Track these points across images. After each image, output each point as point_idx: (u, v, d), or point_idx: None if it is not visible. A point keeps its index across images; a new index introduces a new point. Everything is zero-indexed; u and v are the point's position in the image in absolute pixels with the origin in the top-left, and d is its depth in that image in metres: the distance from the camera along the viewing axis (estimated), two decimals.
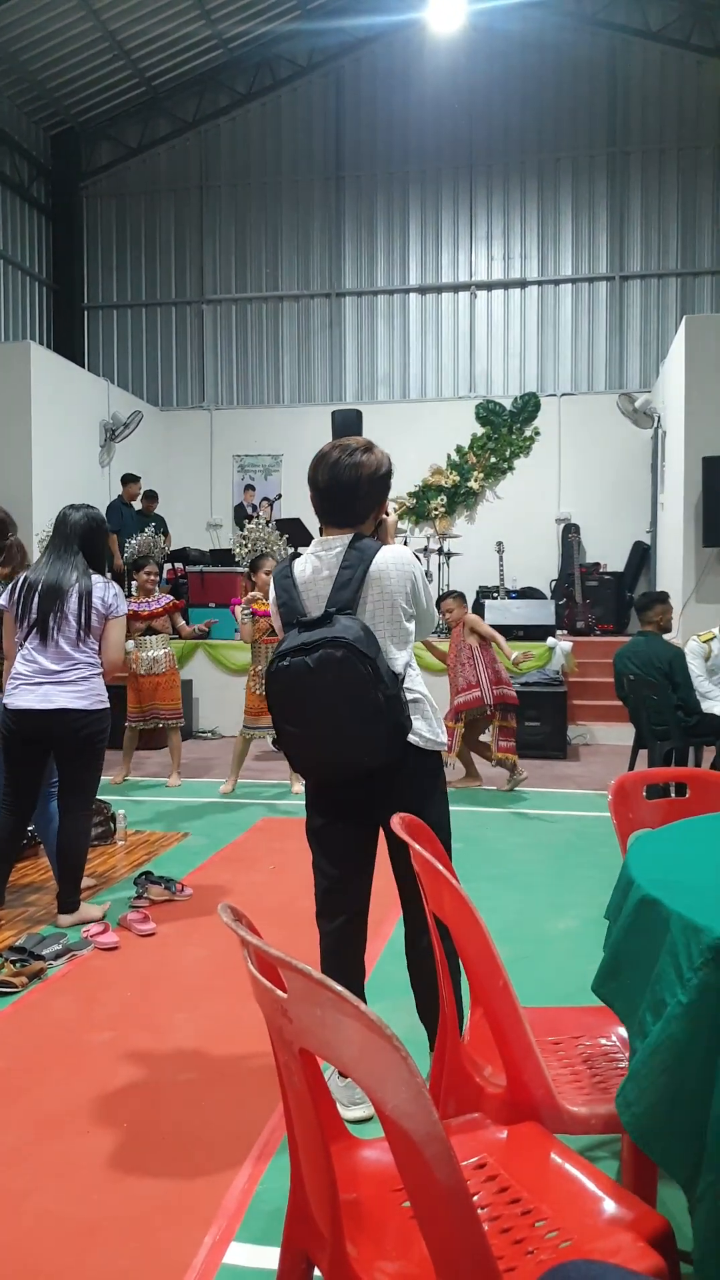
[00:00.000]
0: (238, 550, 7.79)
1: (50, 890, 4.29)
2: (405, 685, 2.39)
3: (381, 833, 2.52)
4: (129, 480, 10.62)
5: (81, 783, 3.91)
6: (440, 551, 10.25)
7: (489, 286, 12.53)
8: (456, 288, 12.60)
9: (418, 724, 2.40)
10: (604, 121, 12.19)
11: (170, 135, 13.11)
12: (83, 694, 3.78)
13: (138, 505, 10.73)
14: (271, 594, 2.50)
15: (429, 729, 2.43)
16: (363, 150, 12.68)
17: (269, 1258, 1.91)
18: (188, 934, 3.82)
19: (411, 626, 2.46)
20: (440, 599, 6.75)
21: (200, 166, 13.12)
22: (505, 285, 12.47)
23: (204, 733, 9.21)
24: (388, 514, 2.56)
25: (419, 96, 12.38)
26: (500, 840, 5.38)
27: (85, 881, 4.26)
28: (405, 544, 9.88)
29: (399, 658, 2.40)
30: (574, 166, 12.29)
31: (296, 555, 2.55)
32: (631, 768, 6.26)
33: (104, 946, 3.63)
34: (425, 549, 10.27)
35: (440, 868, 1.64)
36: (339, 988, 1.07)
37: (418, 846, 1.68)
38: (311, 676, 2.26)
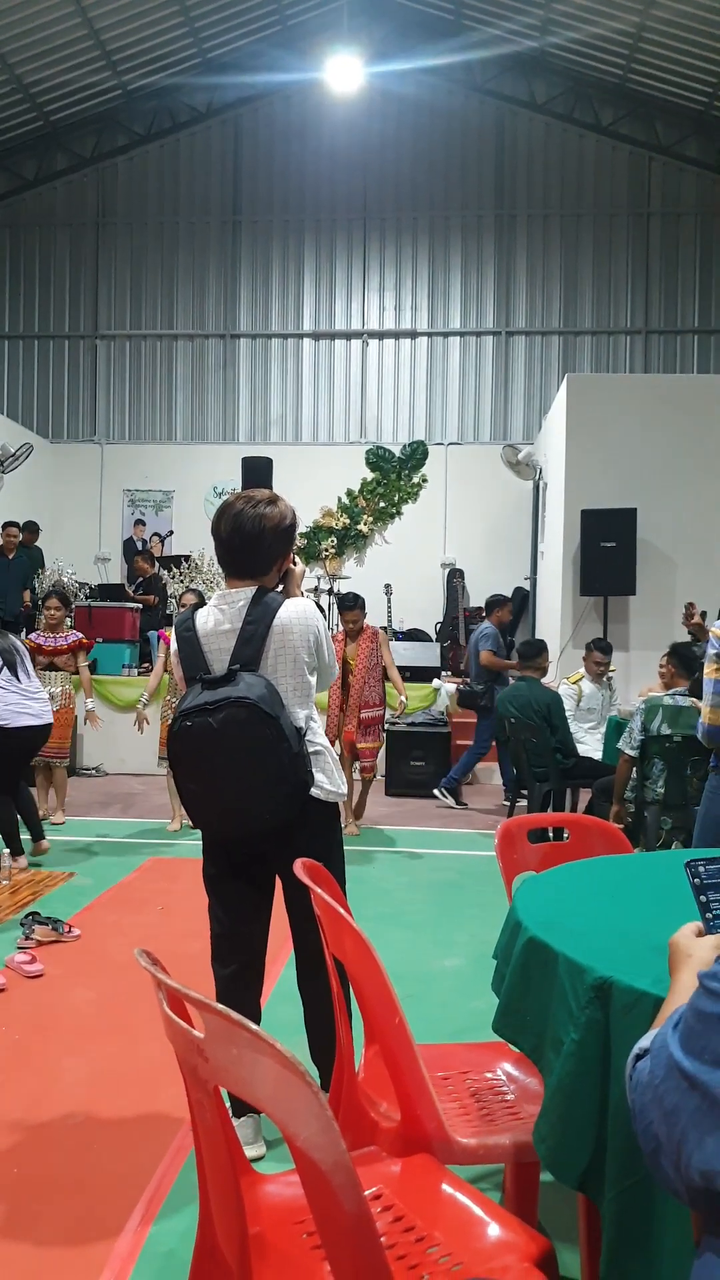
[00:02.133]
0: (173, 586, 7.74)
1: None
2: (306, 739, 2.41)
3: (277, 878, 2.57)
4: (7, 527, 10.20)
5: None
6: (330, 591, 10.42)
7: (381, 335, 12.91)
8: (349, 335, 12.94)
9: (319, 777, 2.43)
10: (491, 185, 12.80)
11: (67, 170, 13.10)
12: None
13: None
14: (172, 646, 2.51)
15: (329, 781, 2.47)
16: (260, 196, 12.95)
17: None
18: (75, 975, 3.78)
19: (314, 679, 2.49)
20: (345, 607, 6.59)
21: (97, 203, 13.14)
22: (396, 335, 12.88)
23: (88, 769, 9.04)
24: (294, 564, 2.59)
25: (316, 149, 12.75)
26: (385, 879, 5.49)
27: None
28: (315, 591, 10.04)
29: (300, 713, 2.42)
30: (464, 225, 12.84)
31: (198, 607, 2.58)
32: (511, 808, 6.48)
33: None
34: (315, 589, 10.42)
35: (342, 911, 1.73)
36: (255, 1027, 1.15)
37: (320, 891, 1.77)
38: (215, 736, 2.26)
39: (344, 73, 11.28)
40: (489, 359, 12.83)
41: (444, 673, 9.91)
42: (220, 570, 7.80)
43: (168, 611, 10.45)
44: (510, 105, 12.71)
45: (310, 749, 2.42)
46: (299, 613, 2.43)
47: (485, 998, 3.62)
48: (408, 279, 12.90)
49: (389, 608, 10.74)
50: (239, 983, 2.54)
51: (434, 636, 11.36)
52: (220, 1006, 1.17)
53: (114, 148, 13.04)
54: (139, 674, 9.51)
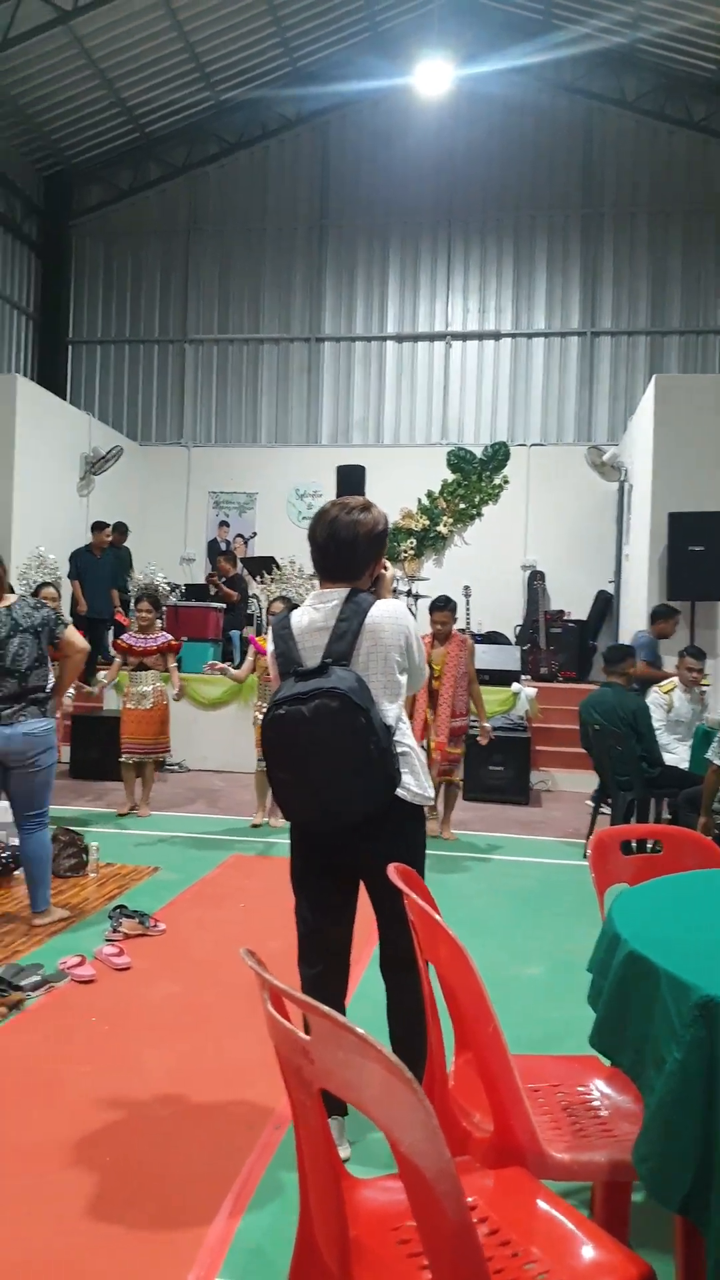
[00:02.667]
0: (261, 592, 7.88)
1: (24, 920, 4.32)
2: (395, 738, 2.44)
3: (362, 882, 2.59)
4: (98, 528, 10.51)
5: None
6: (409, 593, 10.42)
7: (464, 337, 12.86)
8: (432, 337, 12.92)
9: (406, 778, 2.46)
10: (579, 183, 12.65)
11: (160, 180, 13.38)
12: None
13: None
14: (269, 643, 2.58)
15: (416, 783, 2.49)
16: (346, 201, 13.02)
17: None
18: (161, 970, 3.86)
19: (404, 679, 2.52)
20: (435, 608, 6.50)
21: (188, 210, 13.39)
22: (480, 336, 12.81)
23: (171, 765, 9.20)
24: (385, 569, 2.64)
25: (402, 152, 12.77)
26: (463, 885, 5.46)
27: (58, 913, 4.41)
28: (410, 594, 10.06)
29: (390, 710, 2.46)
30: (549, 225, 12.71)
31: (294, 607, 2.63)
32: (594, 817, 6.39)
33: (80, 979, 3.66)
34: (394, 590, 10.42)
35: (438, 918, 1.73)
36: (362, 1031, 1.16)
37: (415, 896, 1.78)
38: (307, 725, 2.31)
39: (433, 76, 11.27)
40: (574, 359, 12.67)
41: (523, 676, 9.82)
42: (307, 574, 7.89)
43: (249, 611, 10.59)
44: (599, 103, 12.54)
45: (398, 749, 2.45)
46: (390, 613, 2.49)
47: (567, 1007, 3.61)
48: (492, 280, 12.83)
49: (467, 610, 10.68)
50: (325, 982, 2.57)
51: (513, 639, 11.27)
52: (328, 1010, 1.18)
53: (205, 157, 13.27)
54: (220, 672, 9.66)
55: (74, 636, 4.28)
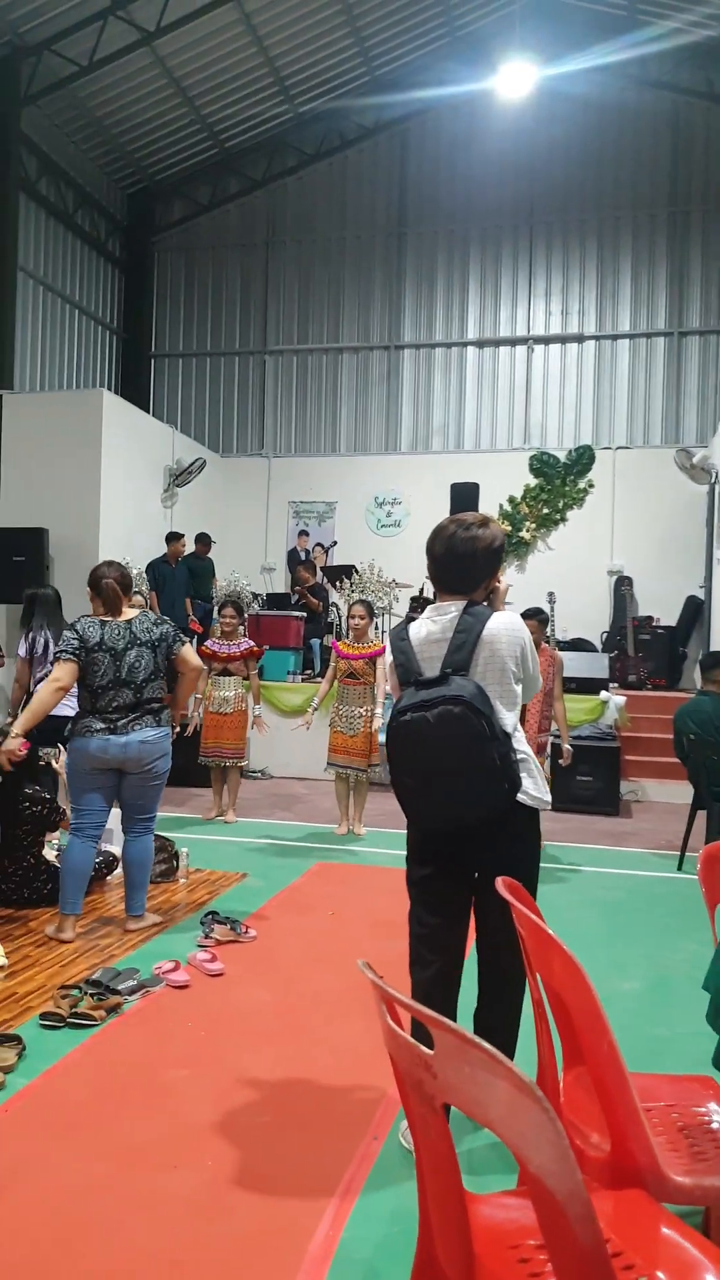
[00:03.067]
0: (341, 600, 7.87)
1: (118, 924, 4.40)
2: (512, 745, 2.51)
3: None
4: (173, 539, 10.67)
5: None
6: None
7: (546, 341, 12.72)
8: (514, 341, 12.81)
9: (526, 782, 2.53)
10: (665, 180, 12.41)
11: (239, 193, 13.58)
12: None
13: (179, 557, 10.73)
14: (387, 654, 2.67)
15: (535, 787, 2.57)
16: (425, 207, 13.01)
17: None
18: (253, 976, 3.87)
19: (519, 689, 2.61)
20: (525, 617, 6.47)
21: (267, 223, 13.55)
22: (563, 340, 12.66)
23: (254, 772, 9.29)
24: (499, 582, 2.71)
25: (482, 155, 12.71)
26: (552, 896, 5.36)
27: (152, 918, 4.47)
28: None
29: (508, 718, 2.53)
30: (634, 224, 12.51)
31: (411, 619, 2.69)
32: (689, 828, 6.22)
33: (175, 984, 3.69)
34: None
35: (551, 933, 1.69)
36: (490, 1047, 1.13)
37: (526, 911, 1.74)
38: (431, 731, 2.39)
39: (515, 78, 11.18)
40: (660, 361, 12.43)
41: (611, 684, 9.63)
42: (386, 579, 7.83)
43: (330, 619, 10.63)
44: (686, 98, 12.30)
45: (516, 755, 2.51)
46: (506, 624, 2.58)
47: (668, 1024, 3.51)
48: (575, 282, 12.66)
49: (552, 616, 10.52)
50: (437, 985, 2.60)
51: (599, 646, 11.06)
52: (454, 1025, 1.15)
53: (284, 169, 13.42)
54: (302, 680, 9.71)
55: (190, 654, 4.37)
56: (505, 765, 2.41)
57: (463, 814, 2.45)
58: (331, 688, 6.76)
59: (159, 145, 12.77)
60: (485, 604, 2.64)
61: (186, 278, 13.86)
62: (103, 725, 4.14)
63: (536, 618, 6.34)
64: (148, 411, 12.64)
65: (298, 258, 13.44)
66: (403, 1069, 1.30)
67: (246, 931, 4.33)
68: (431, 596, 11.11)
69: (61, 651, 4.16)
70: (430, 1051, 1.21)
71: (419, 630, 2.63)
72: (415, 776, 2.47)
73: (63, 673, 4.12)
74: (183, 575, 10.35)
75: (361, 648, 6.63)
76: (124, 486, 10.12)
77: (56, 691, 4.11)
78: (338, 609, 10.18)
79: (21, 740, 4.22)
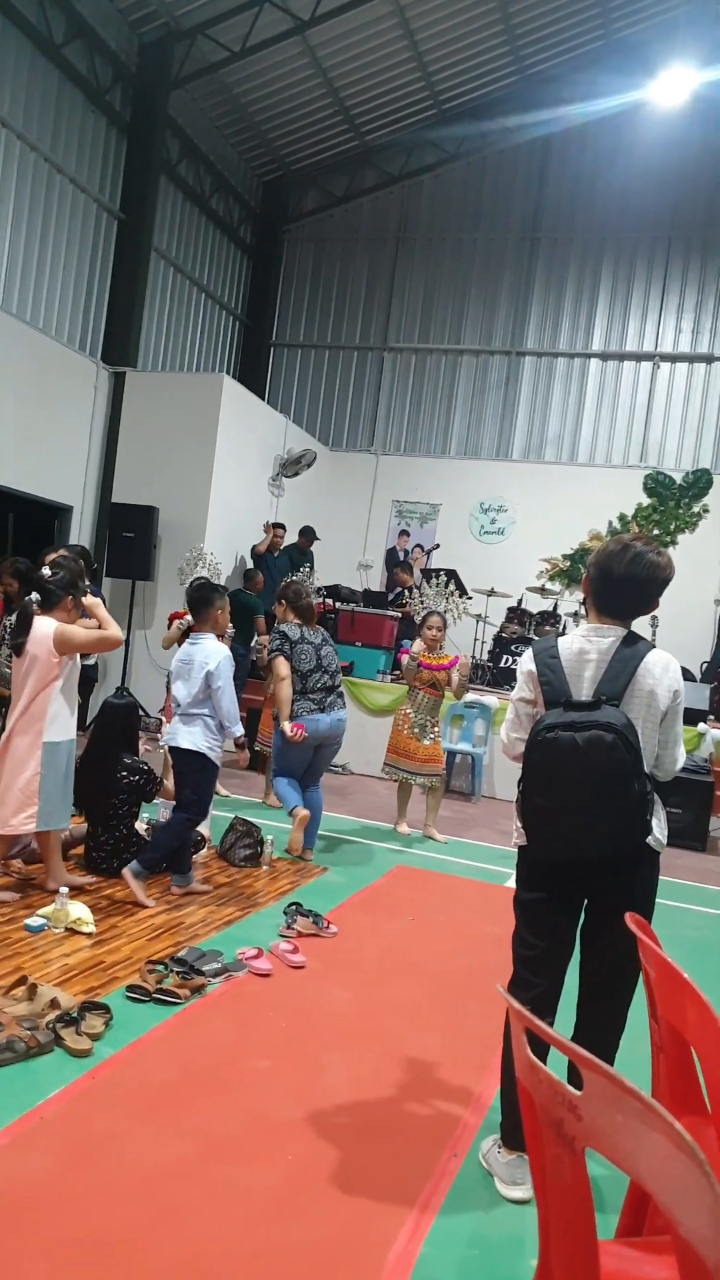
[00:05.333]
0: (413, 603, 7.70)
1: (197, 903, 4.43)
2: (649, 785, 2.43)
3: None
4: (275, 528, 10.65)
5: None
6: (574, 616, 10.12)
7: (674, 359, 12.39)
8: (639, 357, 12.52)
9: (654, 825, 2.44)
10: None
11: (374, 187, 13.56)
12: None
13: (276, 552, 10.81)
14: (531, 667, 2.56)
15: (661, 830, 2.49)
16: (562, 215, 12.78)
17: None
18: (333, 973, 3.86)
19: (658, 736, 2.49)
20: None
21: (399, 219, 13.51)
22: (691, 359, 12.31)
23: (335, 768, 9.29)
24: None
25: (628, 164, 12.41)
26: None
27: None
28: (575, 615, 9.81)
29: (647, 758, 2.44)
30: None
31: (561, 634, 2.63)
32: None
33: (257, 972, 3.70)
34: (575, 614, 10.15)
35: (687, 977, 1.62)
36: (648, 1098, 1.08)
37: (660, 952, 1.67)
38: (578, 754, 2.31)
39: (674, 85, 10.85)
40: None
41: (709, 717, 9.34)
42: (455, 595, 7.57)
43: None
44: None
45: (651, 796, 2.42)
46: (664, 664, 2.49)
47: None
48: (710, 300, 12.28)
49: (653, 640, 10.27)
50: (539, 1010, 2.51)
51: (698, 676, 10.75)
52: (612, 1070, 1.10)
53: (421, 166, 13.36)
54: (390, 680, 9.68)
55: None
56: (642, 802, 2.33)
57: (589, 845, 2.35)
58: (401, 691, 6.80)
59: (299, 135, 12.84)
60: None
61: (313, 269, 13.92)
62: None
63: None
64: (263, 399, 12.76)
65: (426, 256, 13.37)
66: (541, 1105, 1.25)
67: (328, 927, 4.32)
68: (518, 604, 10.80)
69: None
70: (578, 1093, 1.16)
71: (570, 645, 2.53)
72: (550, 798, 2.38)
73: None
74: (284, 566, 10.41)
75: (437, 658, 6.64)
76: (235, 472, 10.23)
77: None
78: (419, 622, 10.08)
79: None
